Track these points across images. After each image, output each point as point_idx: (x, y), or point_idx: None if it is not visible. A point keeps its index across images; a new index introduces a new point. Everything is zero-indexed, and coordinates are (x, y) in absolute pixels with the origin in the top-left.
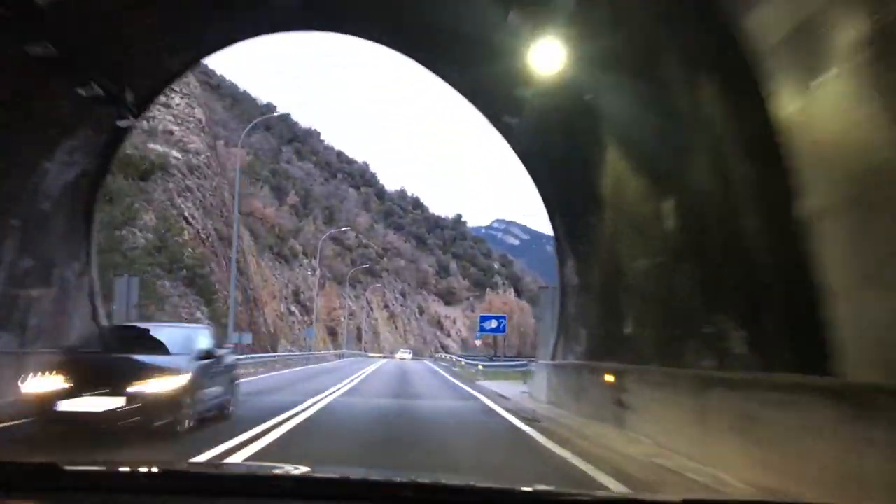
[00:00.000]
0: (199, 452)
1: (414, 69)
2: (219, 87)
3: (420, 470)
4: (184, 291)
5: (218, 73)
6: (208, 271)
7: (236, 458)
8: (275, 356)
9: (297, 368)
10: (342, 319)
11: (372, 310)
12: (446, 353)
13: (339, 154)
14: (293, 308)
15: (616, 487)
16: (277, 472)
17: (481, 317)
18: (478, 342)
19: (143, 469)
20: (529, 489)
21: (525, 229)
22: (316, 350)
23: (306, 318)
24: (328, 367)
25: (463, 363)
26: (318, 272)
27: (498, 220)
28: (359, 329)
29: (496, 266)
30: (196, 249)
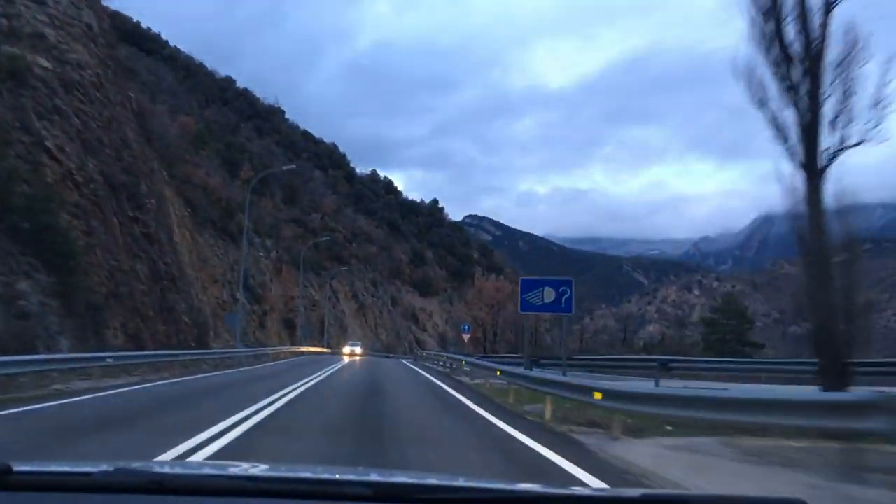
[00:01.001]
0: None
1: None
2: (174, 60)
3: None
4: (9, 249)
5: (172, 44)
6: (76, 228)
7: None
8: (181, 354)
9: (198, 376)
10: (301, 310)
11: (338, 300)
12: (422, 348)
13: (305, 133)
14: (239, 296)
15: None
16: (234, 470)
17: (526, 281)
18: (466, 336)
19: (94, 469)
20: (482, 485)
21: (498, 225)
22: (270, 345)
23: (256, 306)
24: (243, 377)
25: (473, 367)
26: (273, 254)
27: (470, 216)
28: (322, 322)
29: (475, 255)
30: (60, 195)
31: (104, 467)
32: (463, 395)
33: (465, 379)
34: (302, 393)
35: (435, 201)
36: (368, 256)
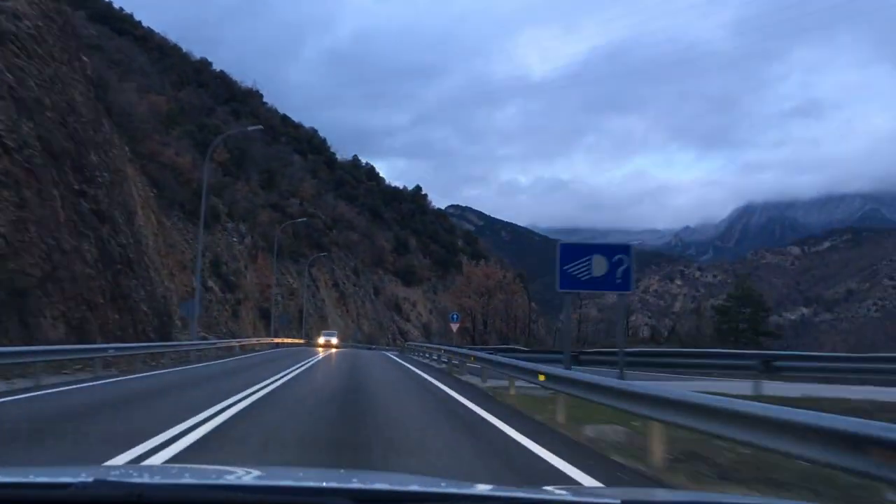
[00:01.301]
0: None
1: None
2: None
3: None
4: None
5: (145, 24)
6: (4, 200)
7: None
8: (134, 347)
9: (154, 372)
10: (278, 299)
11: (318, 289)
12: (405, 338)
13: (284, 118)
14: (212, 283)
15: None
16: (214, 479)
17: (567, 248)
18: (454, 326)
19: (73, 479)
20: (461, 491)
21: (480, 215)
22: (243, 336)
23: (229, 295)
24: (194, 375)
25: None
26: (248, 239)
27: (453, 206)
28: (301, 312)
29: (460, 243)
30: None
31: (83, 476)
32: (484, 407)
33: (474, 380)
34: (247, 408)
35: (418, 188)
36: (350, 244)
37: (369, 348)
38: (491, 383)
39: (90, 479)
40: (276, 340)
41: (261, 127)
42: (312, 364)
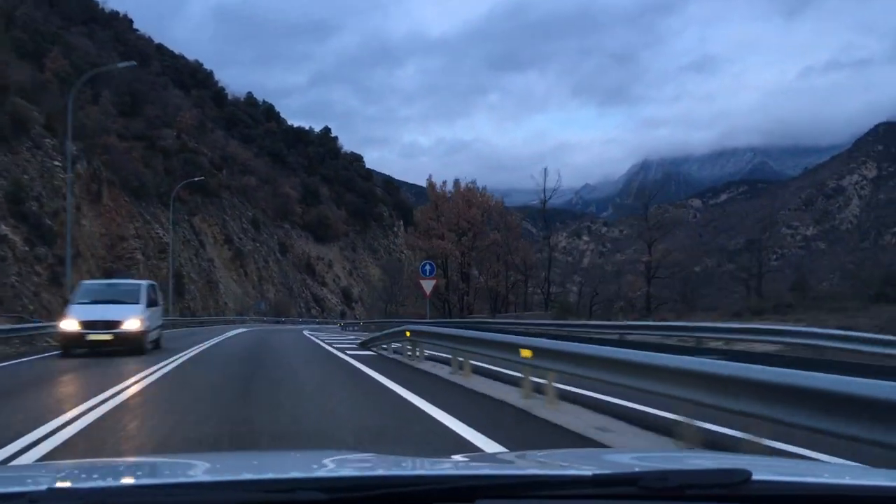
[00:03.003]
0: None
1: None
2: None
3: None
4: None
5: None
6: None
7: None
8: None
9: None
10: (139, 258)
11: (204, 246)
12: (321, 307)
13: (160, 47)
14: (7, 229)
15: None
16: (178, 477)
17: None
18: (427, 283)
19: (31, 488)
20: (435, 472)
21: (384, 177)
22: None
23: (42, 249)
24: None
25: None
26: (81, 166)
27: None
28: (179, 275)
29: (379, 192)
30: None
31: (42, 487)
32: None
33: None
34: None
35: (327, 129)
36: (246, 189)
37: (278, 321)
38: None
39: (44, 489)
40: None
41: (134, 63)
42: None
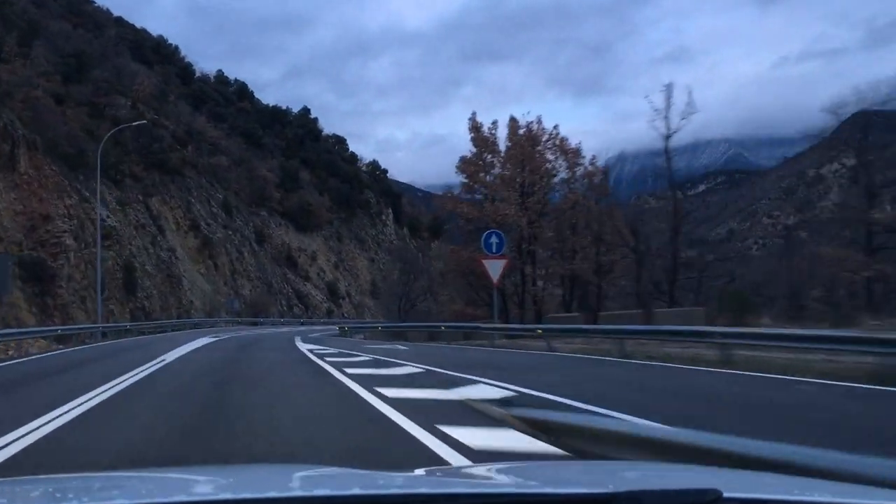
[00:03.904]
0: None
1: None
2: None
3: None
4: None
5: None
6: None
7: None
8: None
9: None
10: (69, 244)
11: (163, 232)
12: (305, 304)
13: (120, 20)
14: None
15: None
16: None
17: None
18: (498, 263)
19: None
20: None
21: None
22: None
23: None
24: None
25: None
26: None
27: None
28: (128, 268)
29: (365, 177)
30: None
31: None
32: None
33: None
34: None
35: (306, 110)
36: (216, 170)
37: (256, 321)
38: None
39: None
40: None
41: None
42: None
